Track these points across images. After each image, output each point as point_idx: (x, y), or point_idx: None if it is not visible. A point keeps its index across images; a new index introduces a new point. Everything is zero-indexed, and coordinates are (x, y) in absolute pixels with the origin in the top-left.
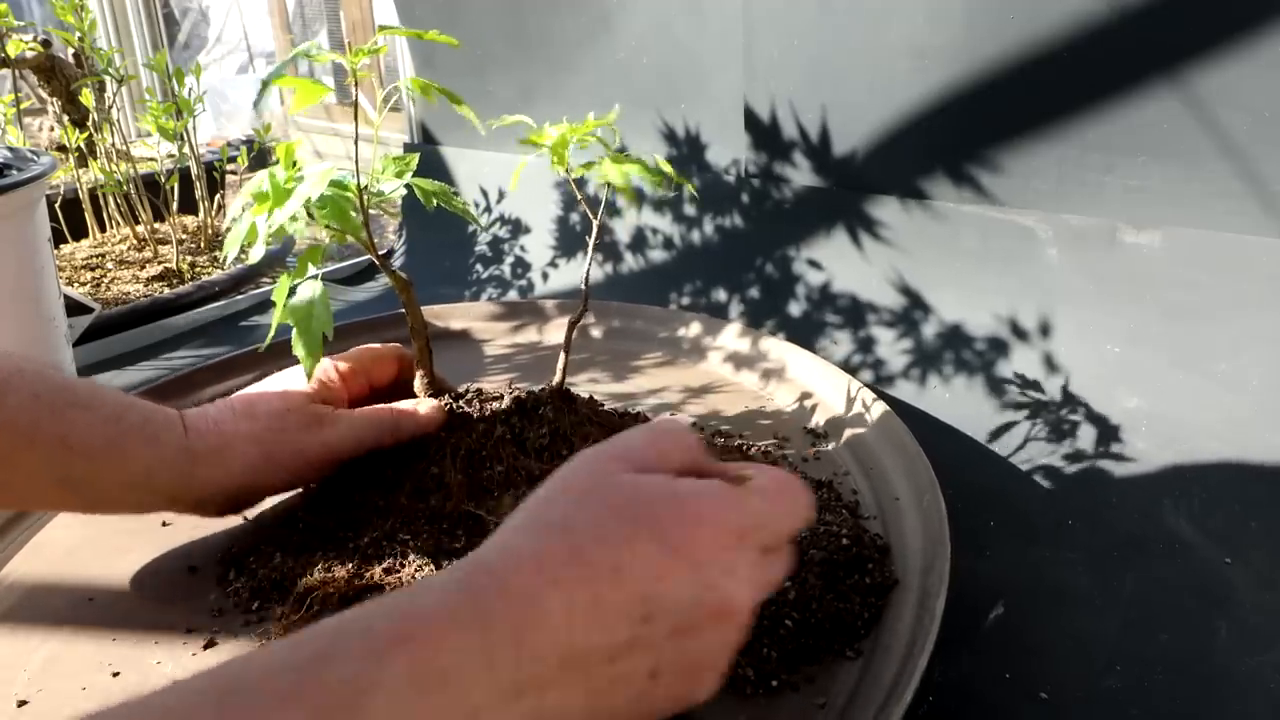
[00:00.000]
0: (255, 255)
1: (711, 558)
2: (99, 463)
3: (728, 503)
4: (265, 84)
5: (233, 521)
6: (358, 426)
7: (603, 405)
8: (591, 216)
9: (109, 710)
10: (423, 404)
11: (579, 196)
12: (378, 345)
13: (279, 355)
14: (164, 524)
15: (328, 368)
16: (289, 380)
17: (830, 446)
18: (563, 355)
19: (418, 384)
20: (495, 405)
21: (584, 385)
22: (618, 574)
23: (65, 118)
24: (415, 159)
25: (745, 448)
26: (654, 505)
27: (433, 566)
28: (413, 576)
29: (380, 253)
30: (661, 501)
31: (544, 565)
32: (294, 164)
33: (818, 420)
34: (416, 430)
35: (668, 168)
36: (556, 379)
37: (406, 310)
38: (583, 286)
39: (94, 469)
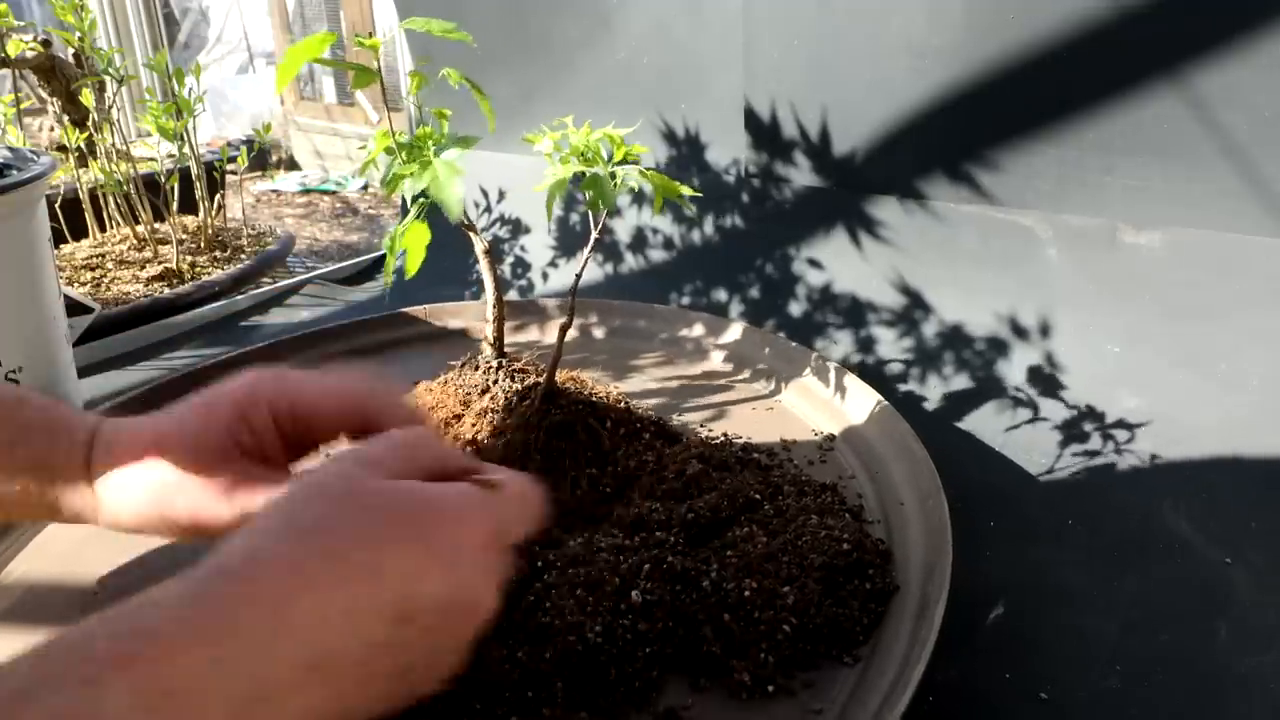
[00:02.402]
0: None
1: (466, 558)
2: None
3: (480, 505)
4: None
5: None
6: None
7: (593, 399)
8: (593, 223)
9: None
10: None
11: (595, 212)
12: (338, 388)
13: (302, 345)
14: None
15: (260, 403)
16: (214, 402)
17: (835, 449)
18: (553, 359)
19: (486, 347)
20: (491, 403)
21: (595, 385)
22: (377, 575)
23: (65, 118)
24: (475, 140)
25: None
26: (411, 507)
27: None
28: None
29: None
30: (418, 503)
31: (298, 568)
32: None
33: (821, 422)
34: None
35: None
36: (544, 380)
37: (486, 275)
38: (571, 296)
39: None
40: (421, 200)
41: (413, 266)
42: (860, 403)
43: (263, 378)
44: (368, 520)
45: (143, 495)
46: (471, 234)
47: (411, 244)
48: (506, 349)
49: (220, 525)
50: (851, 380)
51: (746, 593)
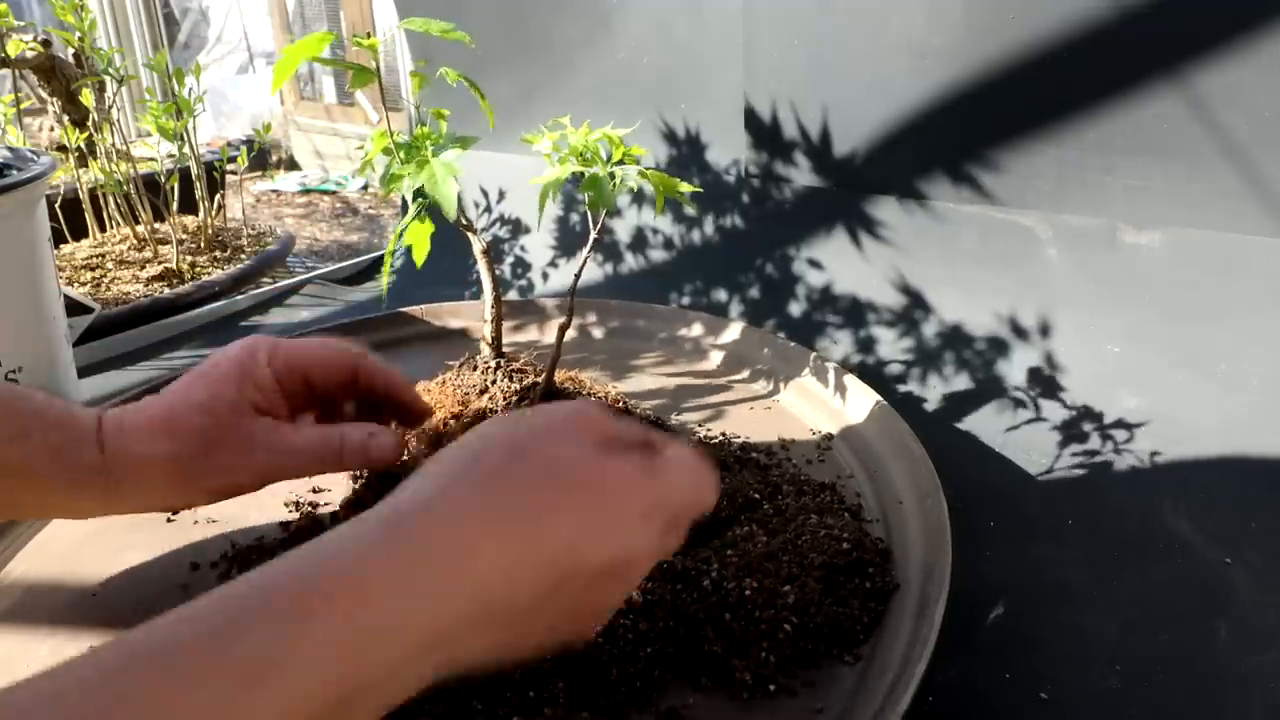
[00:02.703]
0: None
1: (628, 526)
2: (9, 485)
3: (645, 476)
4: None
5: (235, 518)
6: (299, 456)
7: (593, 397)
8: (591, 224)
9: None
10: (381, 434)
11: (595, 213)
12: (332, 340)
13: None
14: (168, 519)
15: (258, 357)
16: (212, 374)
17: (834, 448)
18: (552, 359)
19: (485, 348)
20: (489, 403)
21: (593, 385)
22: (549, 532)
23: (65, 118)
24: (475, 140)
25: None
26: (583, 474)
27: None
28: None
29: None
30: (590, 471)
31: (480, 518)
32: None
33: (821, 421)
34: (364, 464)
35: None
36: (543, 380)
37: (484, 275)
38: (570, 296)
39: (5, 491)
40: (421, 200)
41: (420, 259)
42: (859, 402)
43: (258, 339)
44: (543, 478)
45: (170, 469)
46: (469, 234)
47: (416, 239)
48: (506, 349)
49: (251, 481)
50: (850, 380)
51: (747, 592)
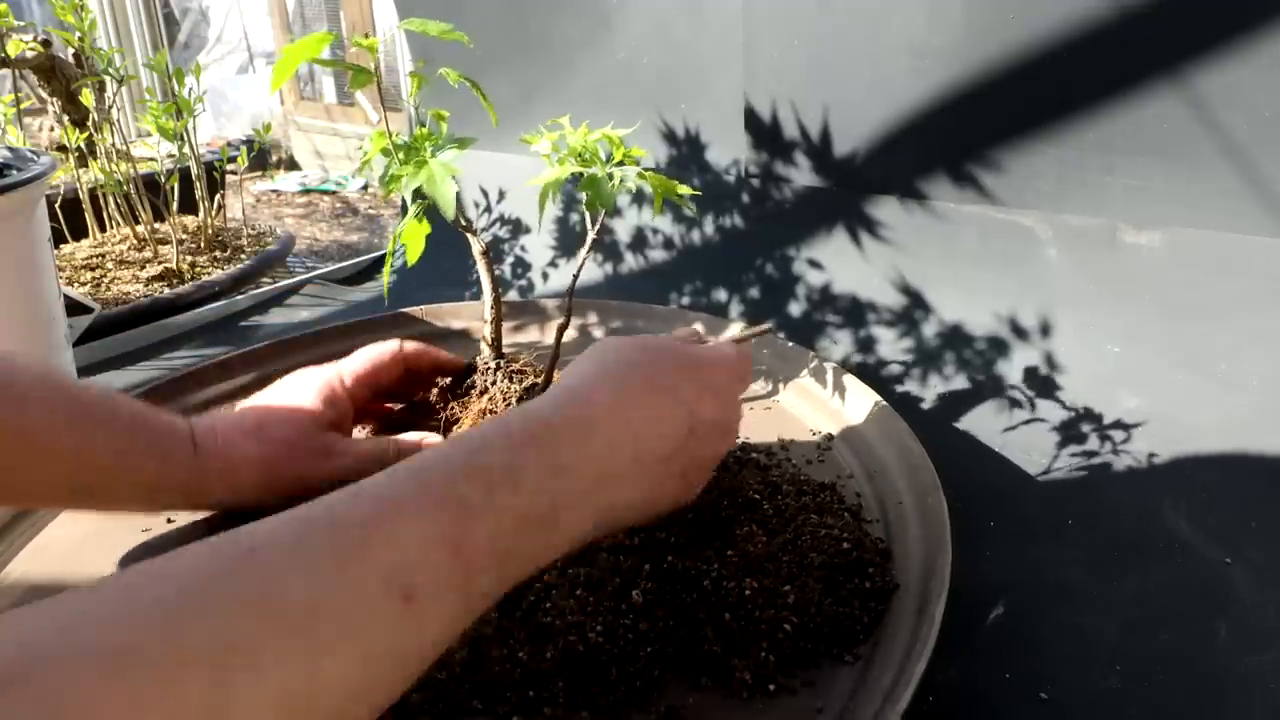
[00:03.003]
0: None
1: (728, 394)
2: (110, 475)
3: (735, 359)
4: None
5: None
6: (360, 462)
7: None
8: (590, 225)
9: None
10: (429, 437)
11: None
12: (380, 347)
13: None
14: (169, 520)
15: (334, 384)
16: (296, 393)
17: (835, 448)
18: (551, 360)
19: (485, 348)
20: (489, 404)
21: None
22: (675, 397)
23: (65, 118)
24: (473, 141)
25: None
26: (692, 357)
27: None
28: None
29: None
30: (695, 354)
31: (624, 395)
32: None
33: (821, 421)
34: None
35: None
36: (542, 381)
37: (483, 276)
38: (568, 297)
39: (105, 481)
40: (420, 201)
41: (413, 256)
42: (858, 402)
43: (329, 376)
44: (664, 362)
45: (257, 469)
46: (469, 235)
47: (410, 239)
48: (507, 349)
49: (319, 485)
50: (849, 380)
51: (747, 592)
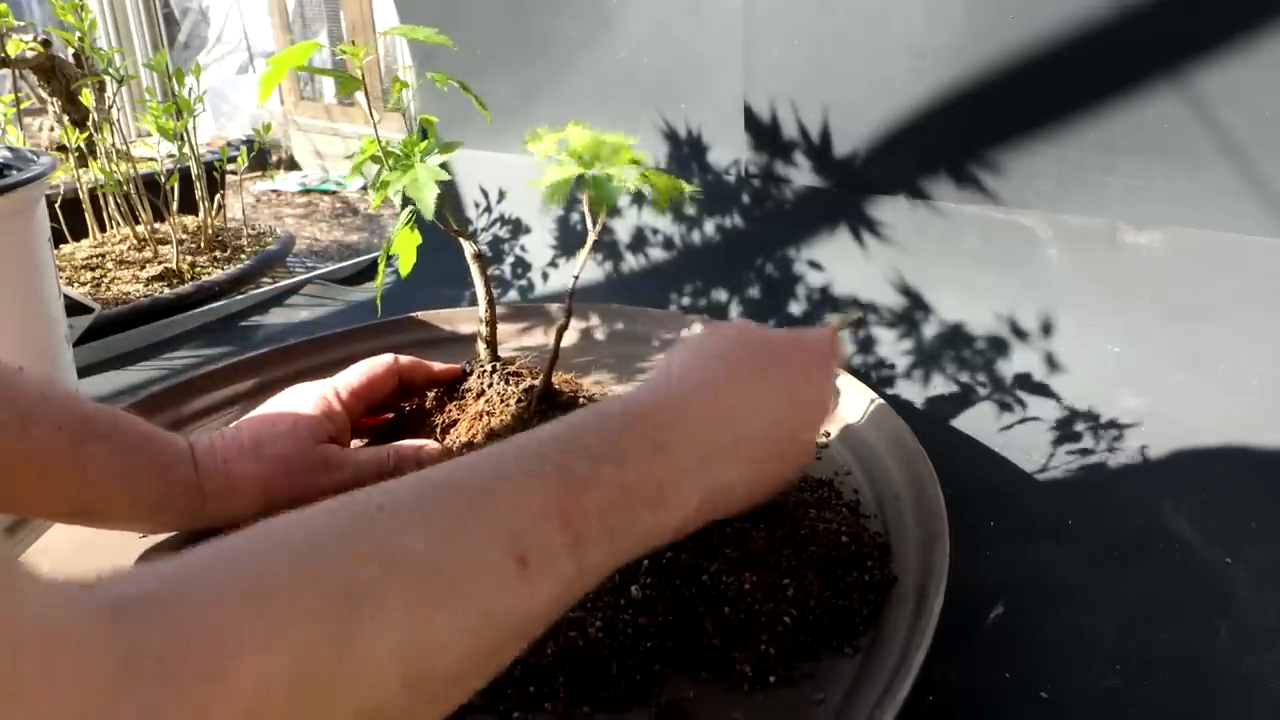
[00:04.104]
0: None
1: (820, 374)
2: (112, 494)
3: (825, 340)
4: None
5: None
6: (360, 474)
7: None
8: (590, 224)
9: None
10: (428, 444)
11: (596, 215)
12: (375, 360)
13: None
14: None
15: (330, 398)
16: (292, 408)
17: (831, 446)
18: (549, 361)
19: (481, 351)
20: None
21: (590, 387)
22: (767, 381)
23: (65, 118)
24: (459, 145)
25: None
26: (783, 340)
27: None
28: None
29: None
30: (785, 338)
31: (717, 379)
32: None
33: None
34: (418, 468)
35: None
36: (539, 383)
37: (477, 280)
38: (568, 299)
39: (107, 499)
40: (411, 208)
41: (405, 267)
42: (855, 401)
43: (325, 390)
44: (755, 346)
45: (256, 487)
46: (461, 239)
47: (402, 249)
48: (512, 352)
49: (321, 498)
50: (845, 379)
51: (746, 586)
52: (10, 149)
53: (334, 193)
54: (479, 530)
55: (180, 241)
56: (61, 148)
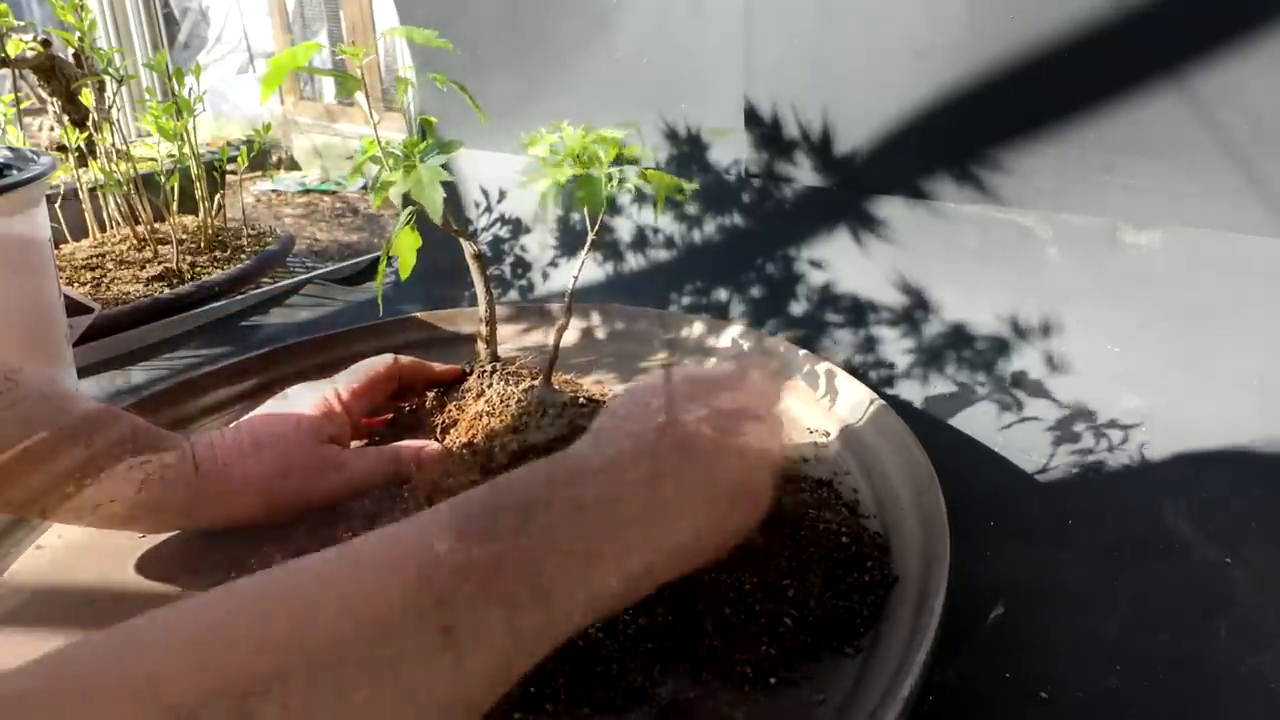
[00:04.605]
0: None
1: (760, 419)
2: (112, 493)
3: (759, 381)
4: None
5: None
6: (361, 474)
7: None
8: (590, 225)
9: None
10: (428, 445)
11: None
12: (375, 361)
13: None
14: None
15: (331, 399)
16: (293, 410)
17: (831, 446)
18: (549, 361)
19: (481, 351)
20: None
21: (590, 387)
22: (683, 479)
23: (65, 118)
24: (460, 145)
25: None
26: (699, 444)
27: None
28: None
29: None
30: (706, 441)
31: (626, 473)
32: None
33: (816, 420)
34: (419, 468)
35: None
36: (539, 383)
37: (477, 280)
38: (568, 299)
39: (107, 499)
40: (411, 209)
41: (405, 269)
42: (855, 401)
43: (326, 392)
44: (637, 401)
45: (256, 488)
46: (461, 239)
47: (402, 250)
48: (512, 352)
49: (321, 500)
50: (845, 379)
51: (746, 586)
52: (10, 149)
53: (334, 193)
54: (396, 601)
55: (180, 241)
56: (61, 148)
